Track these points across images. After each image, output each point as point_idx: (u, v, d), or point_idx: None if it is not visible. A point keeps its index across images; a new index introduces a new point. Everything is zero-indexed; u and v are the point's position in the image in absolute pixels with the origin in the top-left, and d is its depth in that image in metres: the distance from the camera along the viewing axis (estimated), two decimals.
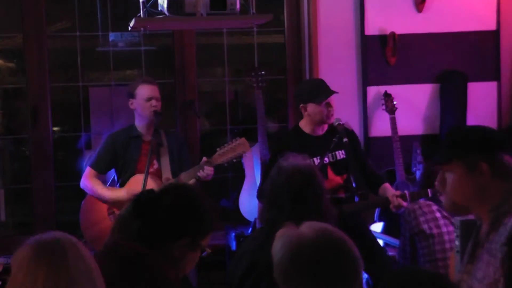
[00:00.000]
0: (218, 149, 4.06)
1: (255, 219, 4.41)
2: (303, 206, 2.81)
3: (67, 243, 1.75)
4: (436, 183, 2.37)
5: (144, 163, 4.22)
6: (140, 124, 4.36)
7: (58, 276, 1.70)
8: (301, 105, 4.16)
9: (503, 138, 2.32)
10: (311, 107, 4.11)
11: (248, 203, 4.62)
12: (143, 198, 2.20)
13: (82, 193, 4.98)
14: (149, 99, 4.27)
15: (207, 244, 2.22)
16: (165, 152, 4.32)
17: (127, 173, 4.32)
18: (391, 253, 4.60)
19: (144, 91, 4.28)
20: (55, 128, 5.00)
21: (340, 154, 4.12)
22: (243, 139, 4.04)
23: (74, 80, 5.01)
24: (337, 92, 4.10)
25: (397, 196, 3.94)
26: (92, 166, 4.40)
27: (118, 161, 4.37)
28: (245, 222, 4.60)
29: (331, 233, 1.89)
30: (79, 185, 4.49)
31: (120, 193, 4.25)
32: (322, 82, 4.17)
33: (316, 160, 4.06)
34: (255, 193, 4.50)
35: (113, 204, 4.28)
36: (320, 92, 4.09)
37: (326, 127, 4.17)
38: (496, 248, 2.17)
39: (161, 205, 2.17)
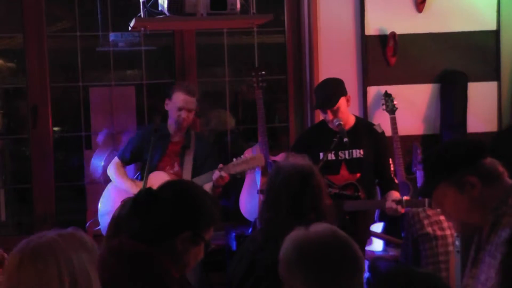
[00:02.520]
0: (234, 159, 4.08)
1: (255, 219, 4.40)
2: (302, 205, 2.81)
3: (57, 246, 1.72)
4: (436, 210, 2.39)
5: (166, 162, 4.27)
6: (171, 125, 4.40)
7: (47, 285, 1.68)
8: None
9: (478, 144, 2.33)
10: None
11: (248, 203, 4.62)
12: (141, 197, 2.20)
13: (82, 193, 5.00)
14: (180, 109, 4.30)
15: (209, 238, 2.23)
16: (190, 155, 4.34)
17: (148, 169, 4.33)
18: (391, 253, 4.60)
19: (179, 100, 4.31)
20: (55, 128, 5.00)
21: (357, 153, 4.16)
22: (260, 154, 4.08)
23: (74, 80, 5.01)
24: (330, 108, 4.11)
25: (394, 201, 3.95)
26: (119, 157, 4.49)
27: (143, 156, 4.38)
28: (245, 222, 4.60)
29: (337, 232, 1.96)
30: (79, 185, 4.50)
31: (135, 189, 4.29)
32: (327, 93, 4.18)
33: (331, 155, 4.09)
34: (255, 193, 4.52)
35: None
36: (318, 102, 4.21)
37: (351, 123, 4.20)
38: (496, 249, 2.17)
39: (159, 202, 2.17)
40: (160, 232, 2.14)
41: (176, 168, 4.34)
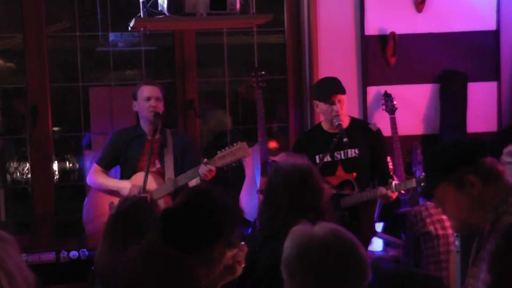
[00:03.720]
0: (218, 152, 4.07)
1: (255, 219, 4.40)
2: (301, 205, 2.81)
3: None
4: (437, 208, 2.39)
5: (145, 162, 4.26)
6: (143, 124, 4.39)
7: None
8: (313, 101, 4.27)
9: (478, 144, 2.33)
10: (320, 105, 4.18)
11: (248, 203, 4.62)
12: (168, 218, 2.20)
13: (82, 193, 4.98)
14: (148, 99, 4.30)
15: (237, 237, 2.26)
16: (169, 152, 4.34)
17: (129, 170, 4.35)
18: (391, 252, 4.61)
19: (144, 91, 4.33)
20: (55, 128, 5.00)
21: (352, 153, 4.15)
22: (243, 144, 4.04)
23: (74, 80, 5.00)
24: (342, 93, 4.13)
25: (384, 187, 3.94)
26: (97, 162, 4.46)
27: (121, 158, 4.41)
28: (245, 222, 4.60)
29: (343, 235, 1.91)
30: (79, 185, 4.51)
31: (123, 184, 4.30)
32: (333, 81, 4.20)
33: (326, 157, 4.09)
34: (255, 193, 4.52)
35: (115, 194, 4.30)
36: (326, 90, 4.14)
37: (346, 123, 4.19)
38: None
39: (189, 221, 2.18)
40: (194, 246, 2.15)
41: (158, 165, 4.35)
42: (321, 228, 1.92)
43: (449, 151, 2.33)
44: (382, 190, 3.94)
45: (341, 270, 1.85)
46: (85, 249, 4.64)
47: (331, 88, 4.15)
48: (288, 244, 1.92)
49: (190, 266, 2.10)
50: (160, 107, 4.32)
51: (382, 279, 1.73)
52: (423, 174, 2.48)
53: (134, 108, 4.40)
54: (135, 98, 4.37)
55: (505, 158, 3.72)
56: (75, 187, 5.09)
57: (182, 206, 2.26)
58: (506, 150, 3.44)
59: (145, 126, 4.38)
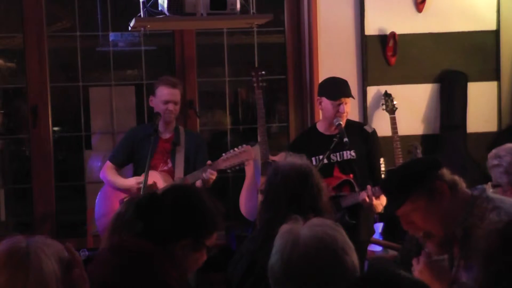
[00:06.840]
0: (223, 154, 4.08)
1: (255, 219, 4.40)
2: (300, 205, 2.80)
3: (34, 252, 1.71)
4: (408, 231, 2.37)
5: (158, 160, 4.28)
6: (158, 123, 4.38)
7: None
8: (318, 97, 4.26)
9: (432, 158, 2.36)
10: (324, 101, 4.17)
11: (248, 203, 4.62)
12: (144, 201, 2.20)
13: (82, 193, 5.00)
14: (166, 102, 4.29)
15: (212, 243, 2.22)
16: (181, 151, 4.34)
17: (141, 169, 4.34)
18: (391, 252, 4.59)
19: (164, 93, 4.31)
20: (55, 128, 5.00)
21: (348, 154, 4.15)
22: (248, 147, 4.07)
23: (74, 80, 5.01)
24: (353, 97, 4.17)
25: (366, 192, 3.92)
26: (110, 159, 4.47)
27: (134, 156, 4.40)
28: (245, 222, 4.60)
29: (329, 242, 1.86)
30: (79, 185, 4.50)
31: (129, 182, 4.31)
32: (344, 83, 4.21)
33: (323, 159, 4.08)
34: (255, 193, 4.51)
35: (127, 191, 4.32)
36: (337, 90, 4.15)
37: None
38: (471, 264, 2.15)
39: (161, 207, 2.17)
40: (161, 237, 2.14)
41: (169, 164, 4.35)
42: (308, 231, 1.88)
43: (409, 167, 2.34)
44: (363, 195, 3.92)
45: (324, 281, 1.82)
46: (85, 249, 4.62)
47: (344, 90, 4.16)
48: (274, 250, 1.90)
49: (164, 262, 2.08)
50: (177, 110, 4.34)
51: (363, 279, 1.70)
52: (388, 194, 2.44)
53: (150, 103, 4.39)
54: (153, 93, 4.36)
55: (491, 161, 3.71)
56: (75, 187, 5.09)
57: (161, 194, 2.26)
58: (494, 151, 3.41)
59: (160, 124, 4.37)
